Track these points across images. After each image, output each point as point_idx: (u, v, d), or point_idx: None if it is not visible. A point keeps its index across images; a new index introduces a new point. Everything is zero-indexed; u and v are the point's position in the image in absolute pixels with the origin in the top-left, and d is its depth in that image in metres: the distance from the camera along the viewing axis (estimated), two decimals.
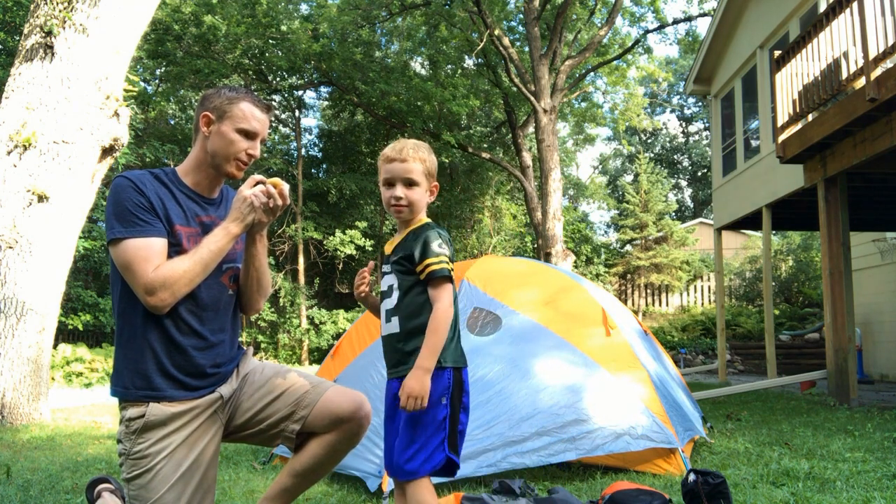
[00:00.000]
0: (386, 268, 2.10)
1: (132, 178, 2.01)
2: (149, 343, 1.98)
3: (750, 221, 10.32)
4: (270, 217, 2.08)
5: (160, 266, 1.93)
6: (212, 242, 1.99)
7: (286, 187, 2.06)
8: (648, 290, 18.98)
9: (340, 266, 17.94)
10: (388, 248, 2.11)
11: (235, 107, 2.08)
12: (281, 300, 16.83)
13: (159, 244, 1.97)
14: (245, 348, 2.28)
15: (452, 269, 2.00)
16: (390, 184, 2.07)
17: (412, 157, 2.06)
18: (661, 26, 16.83)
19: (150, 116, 16.21)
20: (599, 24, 16.82)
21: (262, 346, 16.69)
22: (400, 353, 2.01)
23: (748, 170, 10.03)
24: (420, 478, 1.92)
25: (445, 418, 1.95)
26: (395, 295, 2.04)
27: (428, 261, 1.96)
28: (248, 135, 2.09)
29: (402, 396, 1.89)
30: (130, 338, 2.00)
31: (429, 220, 2.09)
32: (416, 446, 1.91)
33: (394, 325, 2.03)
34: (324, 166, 21.13)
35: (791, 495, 2.96)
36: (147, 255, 1.93)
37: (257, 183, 2.04)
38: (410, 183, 2.06)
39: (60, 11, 5.92)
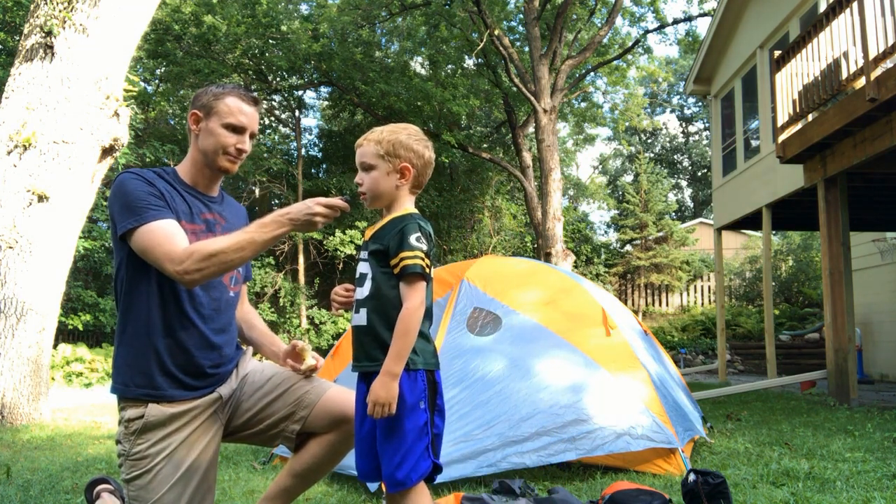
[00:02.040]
0: (362, 254, 1.98)
1: (138, 172, 2.02)
2: (151, 341, 1.98)
3: (750, 221, 10.32)
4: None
5: (196, 242, 1.92)
6: (258, 232, 1.92)
7: (309, 364, 2.20)
8: (648, 290, 18.98)
9: (340, 266, 17.93)
10: (368, 234, 1.99)
11: (221, 102, 2.07)
12: (281, 300, 16.83)
13: (177, 225, 1.96)
14: (244, 349, 2.28)
15: (428, 266, 1.87)
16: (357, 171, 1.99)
17: (368, 139, 1.95)
18: (661, 26, 16.83)
19: (150, 116, 16.20)
20: (599, 24, 16.81)
21: None
22: (365, 347, 1.91)
23: (748, 170, 10.03)
24: (411, 487, 1.85)
25: (426, 423, 1.86)
26: (368, 286, 1.92)
27: (403, 254, 1.84)
28: (236, 129, 2.08)
29: (370, 404, 1.80)
30: (133, 335, 1.99)
31: (412, 212, 1.95)
32: (400, 455, 1.84)
33: (362, 317, 1.92)
34: (324, 166, 21.13)
35: (791, 495, 2.96)
36: (167, 234, 1.91)
37: (338, 207, 1.95)
38: (366, 167, 1.94)
39: (60, 11, 5.92)
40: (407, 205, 1.97)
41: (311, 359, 2.18)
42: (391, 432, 1.85)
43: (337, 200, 1.95)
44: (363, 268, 1.96)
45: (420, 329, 1.89)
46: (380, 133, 1.95)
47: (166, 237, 1.90)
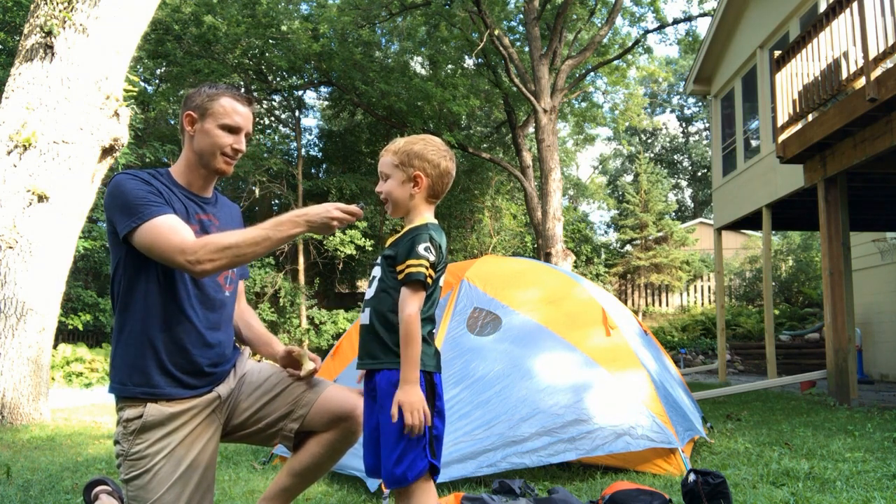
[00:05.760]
0: (378, 259, 2.08)
1: (133, 173, 2.03)
2: (149, 340, 1.98)
3: (750, 221, 10.32)
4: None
5: (208, 235, 1.93)
6: (273, 230, 1.93)
7: (308, 369, 2.18)
8: (648, 290, 18.98)
9: (340, 266, 17.94)
10: (388, 242, 2.09)
11: (216, 103, 2.08)
12: (281, 300, 16.83)
13: (179, 219, 1.96)
14: (241, 349, 2.28)
15: (430, 276, 1.93)
16: None
17: (386, 149, 2.06)
18: (661, 26, 16.83)
19: (150, 116, 16.21)
20: (599, 24, 16.81)
21: None
22: (367, 345, 1.98)
23: (748, 170, 10.03)
24: (410, 485, 1.89)
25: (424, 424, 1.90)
26: (374, 287, 2.01)
27: (409, 262, 1.92)
28: (232, 130, 2.10)
29: (406, 414, 1.84)
30: (130, 334, 1.99)
31: (428, 222, 2.02)
32: (397, 453, 1.88)
33: (366, 317, 2.01)
34: (324, 166, 21.13)
35: (791, 495, 2.96)
36: (172, 227, 1.91)
37: (355, 214, 2.02)
38: (384, 177, 2.06)
39: (60, 11, 5.92)
40: (425, 214, 2.05)
41: (309, 363, 2.18)
42: (390, 430, 1.89)
43: (354, 207, 2.01)
44: (376, 271, 2.05)
45: (421, 333, 1.94)
46: (397, 144, 2.06)
47: (172, 230, 1.91)
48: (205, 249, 1.88)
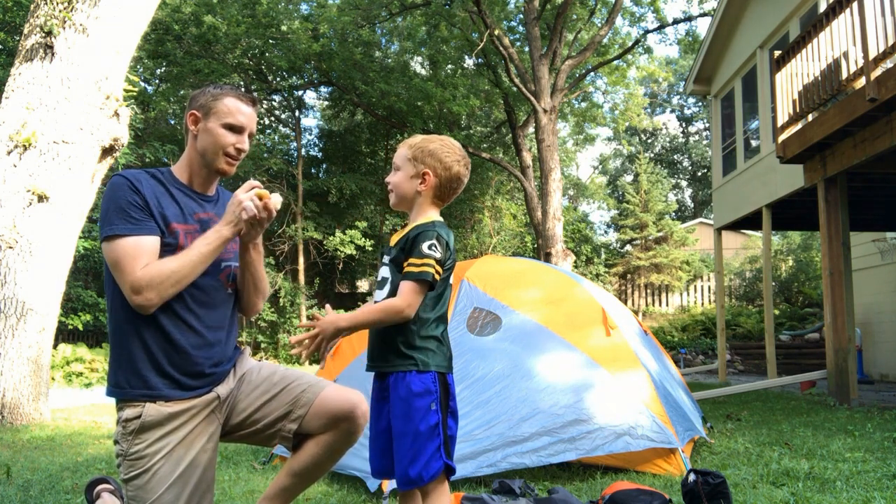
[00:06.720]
0: (384, 259, 2.06)
1: (129, 176, 2.01)
2: (145, 342, 1.97)
3: (750, 221, 10.32)
4: (258, 230, 2.05)
5: (149, 265, 1.92)
6: (202, 245, 1.98)
7: (275, 201, 2.01)
8: (648, 290, 18.98)
9: (340, 266, 17.94)
10: (392, 240, 2.08)
11: (220, 103, 2.09)
12: (281, 300, 16.83)
13: (150, 243, 1.96)
14: (241, 348, 2.27)
15: (437, 273, 1.92)
16: None
17: (404, 143, 2.10)
18: (661, 26, 16.83)
19: (150, 116, 16.21)
20: (599, 24, 16.82)
21: (262, 346, 16.69)
22: (379, 348, 1.98)
23: (748, 170, 10.03)
24: (426, 485, 1.89)
25: (438, 424, 1.90)
26: (386, 288, 2.00)
27: (412, 260, 1.92)
28: (235, 129, 2.09)
29: (312, 331, 1.94)
30: (126, 336, 1.98)
31: (435, 220, 2.01)
32: (412, 454, 1.88)
33: None
34: (324, 166, 21.13)
35: (791, 495, 2.96)
36: (136, 253, 1.92)
37: (253, 188, 2.02)
38: (395, 168, 2.08)
39: (60, 11, 5.92)
40: (430, 213, 2.04)
41: (275, 197, 2.06)
42: (403, 432, 1.89)
43: (247, 183, 2.03)
44: (384, 272, 2.03)
45: (433, 333, 1.95)
46: (415, 139, 2.08)
47: (133, 257, 1.92)
48: (150, 286, 1.90)
